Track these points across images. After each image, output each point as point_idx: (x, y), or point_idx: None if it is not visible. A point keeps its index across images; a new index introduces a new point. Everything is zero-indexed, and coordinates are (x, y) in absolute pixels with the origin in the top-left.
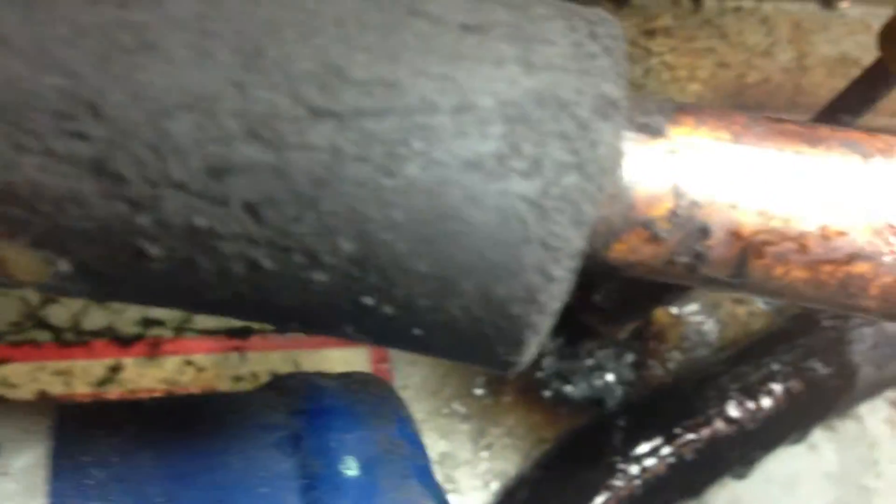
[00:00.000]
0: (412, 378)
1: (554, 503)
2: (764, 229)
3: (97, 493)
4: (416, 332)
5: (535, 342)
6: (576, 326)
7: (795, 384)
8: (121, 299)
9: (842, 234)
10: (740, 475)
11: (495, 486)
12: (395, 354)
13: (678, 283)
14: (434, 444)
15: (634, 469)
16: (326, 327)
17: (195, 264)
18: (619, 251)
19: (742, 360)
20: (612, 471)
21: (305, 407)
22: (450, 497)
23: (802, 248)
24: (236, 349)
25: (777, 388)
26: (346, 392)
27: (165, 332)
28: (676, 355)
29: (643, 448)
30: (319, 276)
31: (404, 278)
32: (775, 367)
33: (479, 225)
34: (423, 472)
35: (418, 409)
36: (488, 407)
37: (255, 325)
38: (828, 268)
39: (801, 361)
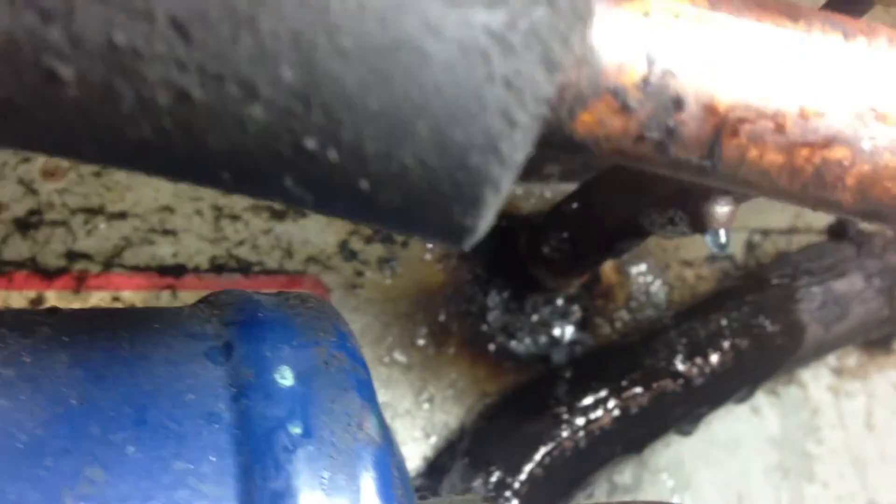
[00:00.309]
0: (353, 325)
1: (496, 453)
2: (740, 105)
3: (5, 392)
4: (364, 185)
5: (494, 202)
6: (523, 280)
7: (743, 341)
8: (24, 140)
9: (821, 114)
10: (686, 432)
11: (435, 438)
12: (335, 301)
13: (646, 169)
14: None
15: (579, 420)
16: (263, 180)
17: (114, 92)
18: (586, 123)
19: (691, 315)
20: (556, 422)
21: (239, 318)
22: None
23: (779, 128)
24: (168, 287)
25: (725, 344)
26: (282, 305)
27: (92, 267)
28: (624, 315)
29: (588, 400)
30: (256, 112)
31: (352, 117)
32: (724, 323)
33: (436, 57)
34: (362, 386)
35: None
36: (431, 358)
37: (189, 264)
38: (804, 152)
39: (749, 318)
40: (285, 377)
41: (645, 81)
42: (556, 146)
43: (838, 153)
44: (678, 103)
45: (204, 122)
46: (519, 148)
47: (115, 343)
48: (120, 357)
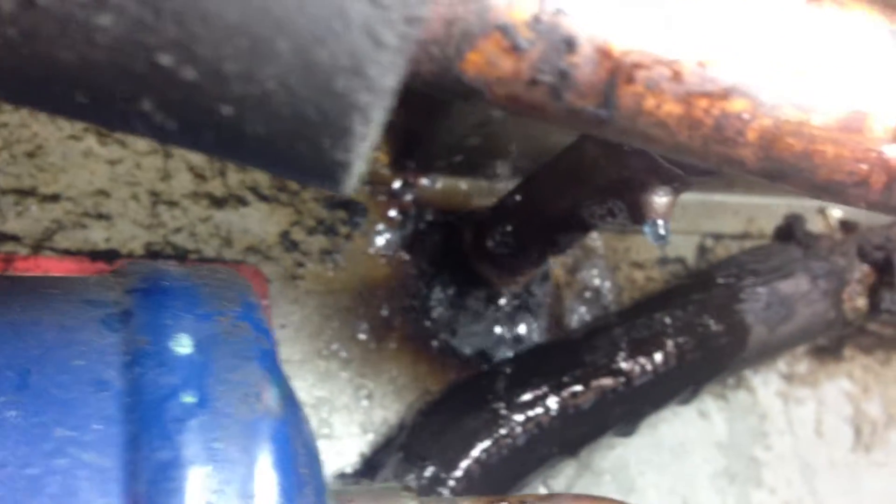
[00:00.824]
0: (291, 317)
1: (431, 448)
2: (635, 49)
3: None
4: (227, 111)
5: (365, 134)
6: (469, 276)
7: (687, 340)
8: None
9: (719, 62)
10: (627, 433)
11: (373, 435)
12: (274, 292)
13: (545, 121)
14: (311, 388)
15: (518, 417)
16: (122, 103)
17: None
18: (476, 63)
19: (635, 313)
20: (495, 418)
21: (142, 286)
22: (324, 443)
23: (676, 76)
24: (100, 273)
25: (668, 343)
26: (189, 275)
27: (21, 249)
28: (571, 314)
29: (528, 396)
30: (105, 21)
31: (208, 30)
32: (667, 321)
33: None
34: (265, 357)
35: (296, 350)
36: (371, 353)
37: (123, 249)
38: (703, 102)
39: (693, 318)
40: (183, 345)
41: (535, 19)
42: (447, 90)
43: (738, 105)
44: (571, 44)
45: (51, 31)
46: (388, 73)
47: (6, 307)
48: (9, 321)
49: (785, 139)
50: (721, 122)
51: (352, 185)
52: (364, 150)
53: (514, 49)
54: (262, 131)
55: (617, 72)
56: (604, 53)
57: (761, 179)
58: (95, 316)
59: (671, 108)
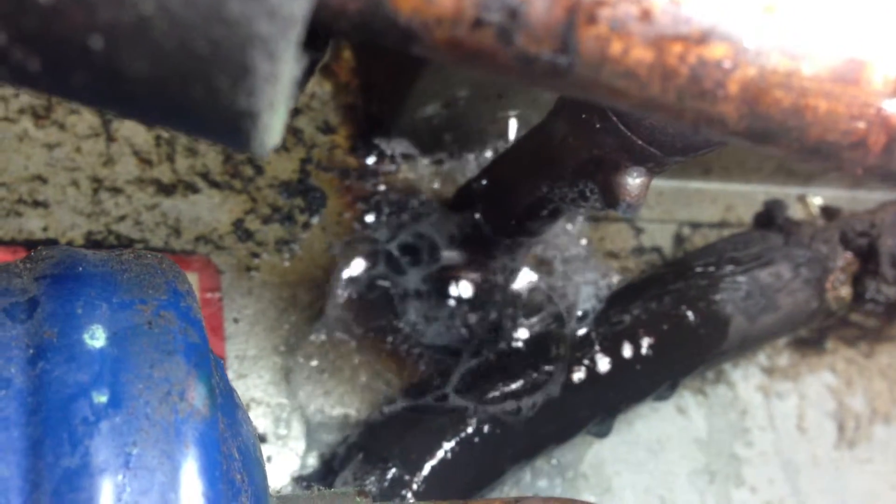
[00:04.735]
0: (245, 310)
1: (393, 449)
2: None
3: None
4: (97, 43)
5: (271, 73)
6: (437, 265)
7: (663, 332)
8: None
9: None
10: (602, 433)
11: (333, 434)
12: (226, 284)
13: (495, 72)
14: (267, 386)
15: (487, 416)
16: None
17: None
18: (408, 2)
19: (610, 305)
20: (461, 416)
21: (53, 272)
22: (280, 445)
23: (645, 15)
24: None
25: (644, 335)
26: (111, 261)
27: None
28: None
29: (497, 392)
30: None
31: None
32: (643, 313)
33: None
34: (191, 350)
35: (251, 346)
36: (332, 348)
37: (61, 239)
38: (677, 48)
39: (670, 309)
40: (96, 338)
41: None
42: (381, 34)
43: (717, 51)
44: None
45: None
46: None
47: None
48: None
49: (772, 92)
50: (698, 72)
51: (264, 142)
52: (274, 96)
53: None
54: (144, 70)
55: (576, 9)
56: None
57: (744, 142)
58: None
59: (640, 55)
